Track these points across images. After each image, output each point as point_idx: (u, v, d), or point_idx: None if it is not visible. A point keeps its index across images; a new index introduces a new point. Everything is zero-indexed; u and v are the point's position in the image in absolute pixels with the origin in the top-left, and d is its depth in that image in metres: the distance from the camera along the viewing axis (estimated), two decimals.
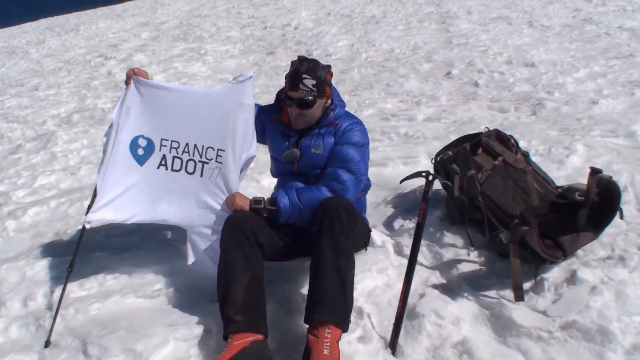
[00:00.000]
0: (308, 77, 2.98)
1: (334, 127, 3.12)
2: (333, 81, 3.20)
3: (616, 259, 3.06)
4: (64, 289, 3.12)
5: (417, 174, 2.80)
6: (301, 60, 3.06)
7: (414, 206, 4.09)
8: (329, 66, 3.13)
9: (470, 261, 3.34)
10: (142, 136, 3.22)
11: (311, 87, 2.98)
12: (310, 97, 2.98)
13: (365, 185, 3.27)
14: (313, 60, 3.07)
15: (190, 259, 3.21)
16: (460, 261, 3.34)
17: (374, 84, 8.87)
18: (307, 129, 3.13)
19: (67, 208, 4.96)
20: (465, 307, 2.93)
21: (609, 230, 3.19)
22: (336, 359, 2.40)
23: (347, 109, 3.28)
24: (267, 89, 9.30)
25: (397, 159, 5.36)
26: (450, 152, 3.74)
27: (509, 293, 2.94)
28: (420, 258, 3.35)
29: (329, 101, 3.09)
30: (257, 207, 3.03)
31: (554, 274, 3.04)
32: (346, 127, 3.11)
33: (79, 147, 7.27)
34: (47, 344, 2.89)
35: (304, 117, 3.05)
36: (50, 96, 11.00)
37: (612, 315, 2.63)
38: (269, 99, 3.93)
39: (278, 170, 3.35)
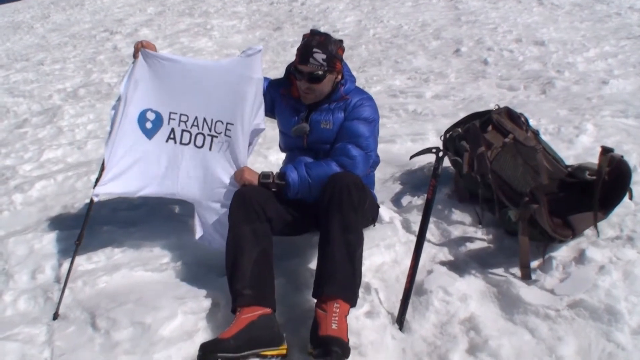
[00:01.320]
0: (319, 51, 2.93)
1: (344, 102, 3.07)
2: (344, 57, 3.15)
3: (625, 239, 3.04)
4: (72, 262, 3.11)
5: (427, 150, 2.79)
6: (313, 34, 3.02)
7: (422, 183, 4.06)
8: (341, 41, 3.08)
9: (479, 239, 3.32)
10: (151, 109, 3.19)
11: (321, 61, 2.93)
12: (320, 72, 2.93)
13: (374, 162, 3.23)
14: (325, 35, 3.02)
15: (198, 234, 3.19)
16: (468, 239, 3.32)
17: (382, 61, 8.77)
18: (316, 103, 3.09)
19: (74, 182, 4.95)
20: (472, 284, 2.92)
21: (618, 210, 3.17)
22: (344, 333, 2.40)
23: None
24: (274, 64, 9.25)
25: (406, 135, 5.32)
26: (459, 130, 3.70)
27: (516, 271, 2.92)
28: (428, 235, 3.31)
29: (340, 76, 3.05)
30: (265, 182, 3.01)
31: (563, 253, 3.01)
32: (356, 102, 3.07)
33: (85, 121, 7.24)
34: (56, 316, 2.89)
35: (313, 92, 3.00)
36: (55, 71, 10.94)
37: (620, 295, 2.62)
38: (275, 74, 3.88)
39: (287, 144, 3.31)
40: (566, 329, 2.55)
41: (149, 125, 3.18)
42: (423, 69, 8.12)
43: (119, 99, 3.20)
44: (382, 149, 4.24)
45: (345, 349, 2.33)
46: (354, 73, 7.31)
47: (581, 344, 2.47)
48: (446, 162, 3.83)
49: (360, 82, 7.20)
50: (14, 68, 11.86)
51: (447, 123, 4.80)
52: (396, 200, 3.88)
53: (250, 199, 2.85)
